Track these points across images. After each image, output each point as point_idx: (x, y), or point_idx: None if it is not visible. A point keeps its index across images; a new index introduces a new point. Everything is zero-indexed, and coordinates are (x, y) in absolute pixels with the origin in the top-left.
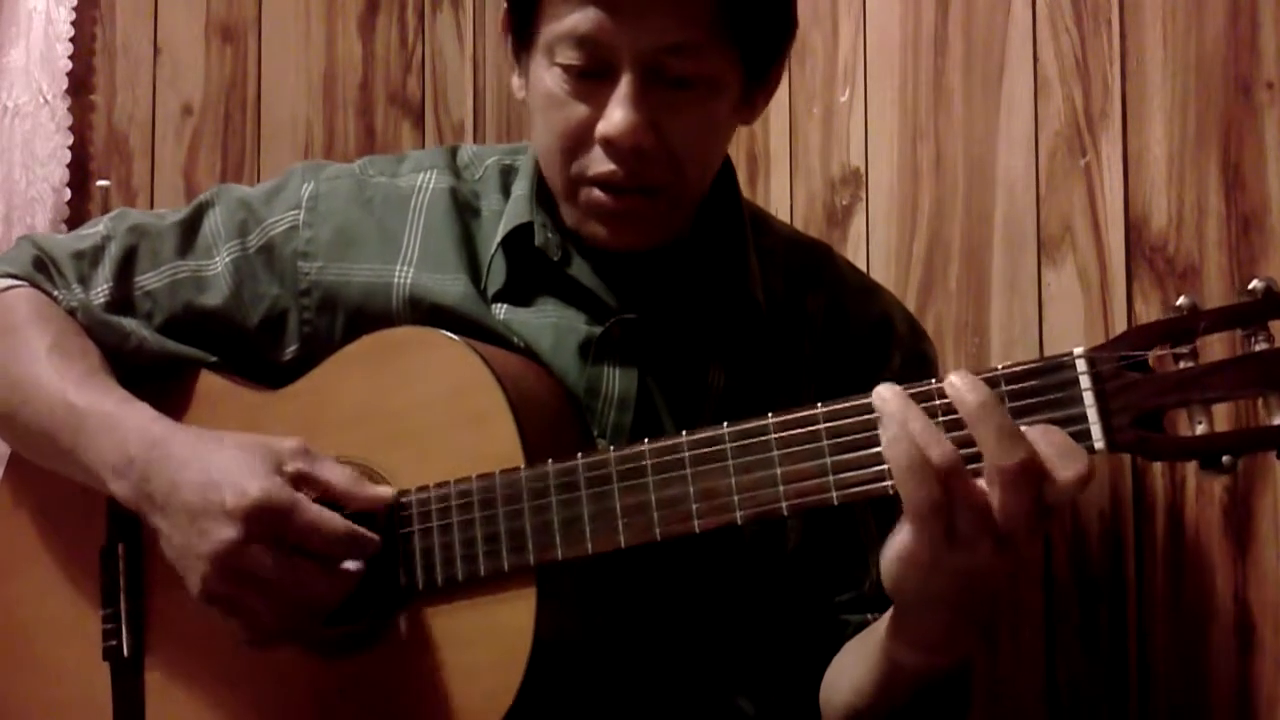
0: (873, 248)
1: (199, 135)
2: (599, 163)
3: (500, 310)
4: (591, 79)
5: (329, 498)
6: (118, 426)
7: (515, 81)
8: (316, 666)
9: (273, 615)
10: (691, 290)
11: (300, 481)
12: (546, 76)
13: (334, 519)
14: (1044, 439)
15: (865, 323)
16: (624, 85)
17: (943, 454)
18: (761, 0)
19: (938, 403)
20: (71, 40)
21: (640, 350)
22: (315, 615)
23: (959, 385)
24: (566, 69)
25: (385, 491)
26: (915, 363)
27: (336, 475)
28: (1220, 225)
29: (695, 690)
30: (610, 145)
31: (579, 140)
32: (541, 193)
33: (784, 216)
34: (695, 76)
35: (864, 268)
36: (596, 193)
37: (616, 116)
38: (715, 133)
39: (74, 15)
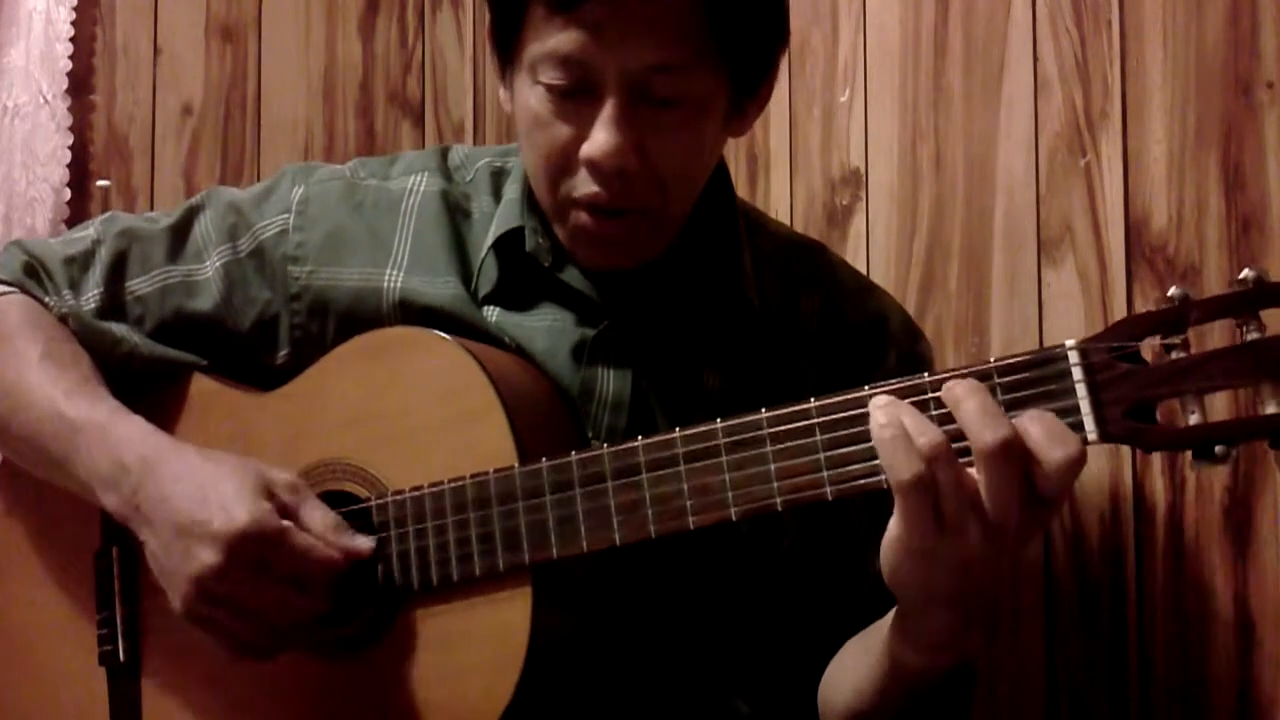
0: (873, 248)
1: (199, 135)
2: (584, 184)
3: (492, 313)
4: (576, 99)
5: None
6: (110, 437)
7: (502, 94)
8: (313, 668)
9: (251, 633)
10: (685, 292)
11: (286, 513)
12: (530, 95)
13: (317, 549)
14: (1035, 424)
15: (860, 322)
16: (608, 107)
17: (929, 438)
18: (749, 17)
19: (929, 396)
20: (71, 40)
21: (634, 353)
22: (292, 632)
23: (949, 382)
24: (550, 88)
25: (365, 544)
26: (910, 362)
27: (317, 520)
28: (1220, 225)
29: (691, 690)
30: (594, 167)
31: (564, 161)
32: (533, 197)
33: (784, 216)
34: (681, 96)
35: (864, 268)
36: (583, 216)
37: (600, 139)
38: (702, 151)
39: (74, 15)
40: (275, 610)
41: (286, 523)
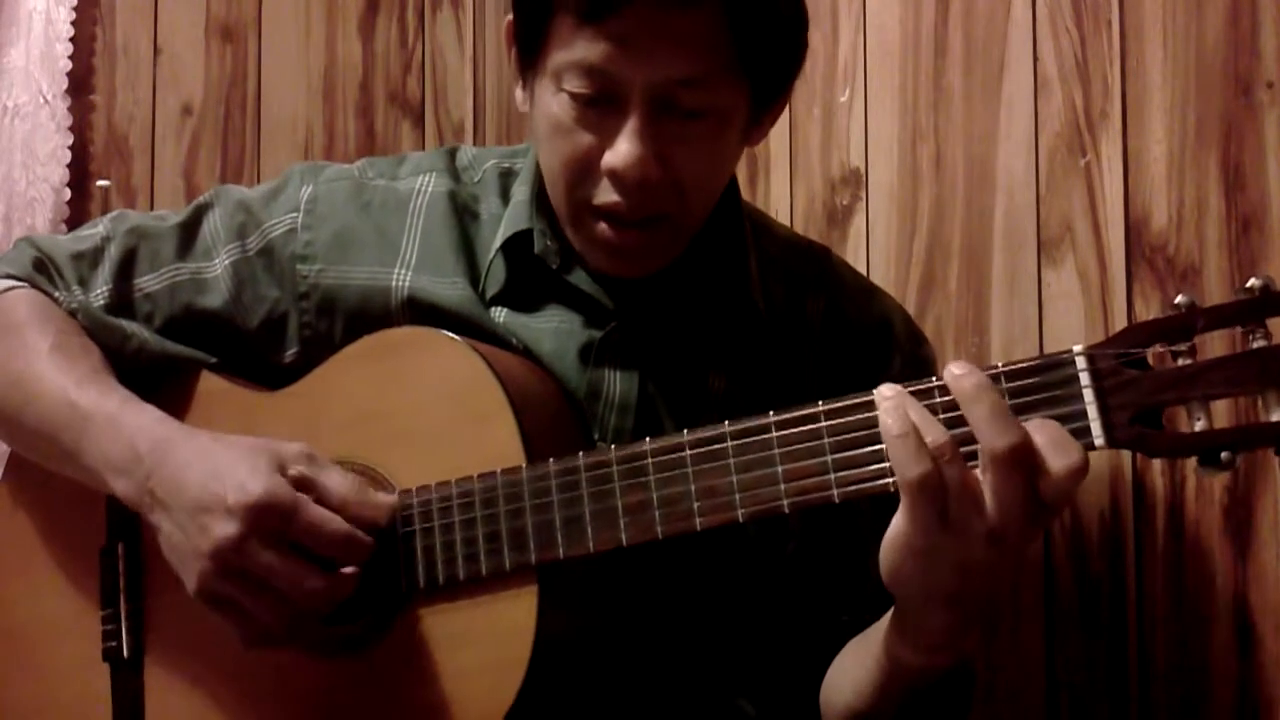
0: (873, 248)
1: (199, 135)
2: (604, 193)
3: (500, 314)
4: (599, 108)
5: (329, 505)
6: (122, 426)
7: (519, 94)
8: (318, 666)
9: (270, 615)
10: (692, 295)
11: (302, 485)
12: (553, 102)
13: (335, 520)
14: (1039, 431)
15: (865, 326)
16: (633, 119)
17: (937, 437)
18: (774, 31)
19: (938, 400)
20: (71, 40)
21: (641, 355)
22: (311, 617)
23: (956, 371)
24: (575, 97)
25: (387, 500)
26: (915, 366)
27: (338, 482)
28: (1220, 225)
29: (696, 691)
30: (616, 177)
31: (584, 169)
32: (541, 199)
33: (784, 216)
34: (705, 108)
35: (864, 268)
36: (601, 226)
37: (624, 149)
38: (723, 162)
39: (74, 15)
40: (294, 588)
41: (301, 495)
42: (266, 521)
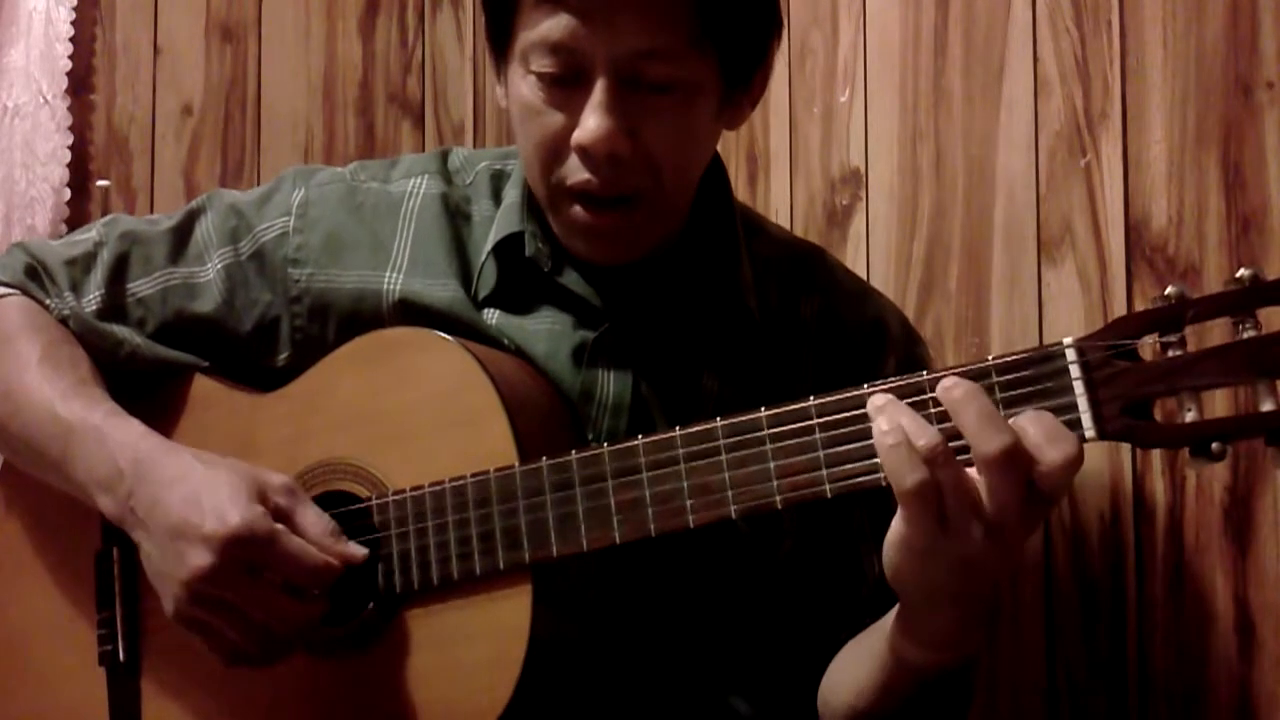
0: (873, 248)
1: (199, 135)
2: (576, 172)
3: (492, 316)
4: (566, 86)
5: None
6: (105, 440)
7: (499, 91)
8: (313, 667)
9: (243, 639)
10: (684, 296)
11: (280, 517)
12: (523, 85)
13: (310, 552)
14: (1033, 424)
15: (859, 327)
16: (598, 92)
17: (929, 441)
18: (738, 4)
19: (928, 395)
20: (71, 40)
21: (634, 356)
22: (285, 640)
23: (945, 384)
24: (541, 76)
25: (358, 551)
26: (910, 366)
27: (313, 522)
28: (1220, 225)
29: (691, 690)
30: (585, 153)
31: (556, 149)
32: (533, 201)
33: (784, 216)
34: (671, 81)
35: (864, 268)
36: (577, 209)
37: (590, 124)
38: (694, 138)
39: (74, 15)
40: (268, 616)
41: (279, 526)
42: (242, 552)
